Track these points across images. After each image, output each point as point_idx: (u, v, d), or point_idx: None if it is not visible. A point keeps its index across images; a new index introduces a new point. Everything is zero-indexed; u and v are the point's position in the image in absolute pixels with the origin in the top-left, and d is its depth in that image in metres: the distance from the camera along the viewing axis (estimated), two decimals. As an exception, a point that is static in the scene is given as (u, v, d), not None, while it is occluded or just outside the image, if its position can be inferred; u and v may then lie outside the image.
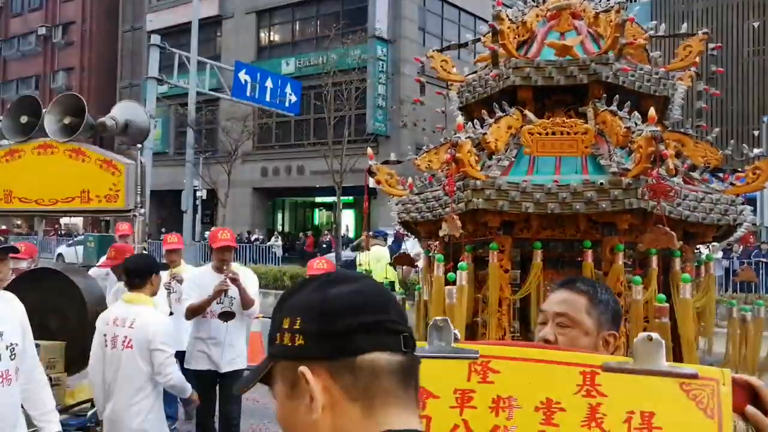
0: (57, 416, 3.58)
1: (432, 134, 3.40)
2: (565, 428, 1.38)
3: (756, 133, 17.69)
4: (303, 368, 0.99)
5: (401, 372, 1.04)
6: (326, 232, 27.09)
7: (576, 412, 1.38)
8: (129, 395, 3.96)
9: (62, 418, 4.29)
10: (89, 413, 4.26)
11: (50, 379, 4.39)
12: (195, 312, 5.48)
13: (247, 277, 5.55)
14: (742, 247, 3.35)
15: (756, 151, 2.89)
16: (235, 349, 5.53)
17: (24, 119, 4.90)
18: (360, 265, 3.26)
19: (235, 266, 5.73)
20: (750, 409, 1.39)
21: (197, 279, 5.69)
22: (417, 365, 1.10)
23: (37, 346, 4.42)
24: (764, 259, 14.74)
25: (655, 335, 1.35)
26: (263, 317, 11.23)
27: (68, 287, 4.85)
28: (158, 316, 4.18)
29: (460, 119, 2.66)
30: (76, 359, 4.82)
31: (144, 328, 3.98)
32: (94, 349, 4.07)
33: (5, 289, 3.78)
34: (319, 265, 4.67)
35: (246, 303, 5.37)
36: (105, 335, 4.05)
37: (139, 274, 4.18)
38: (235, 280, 5.38)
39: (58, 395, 4.41)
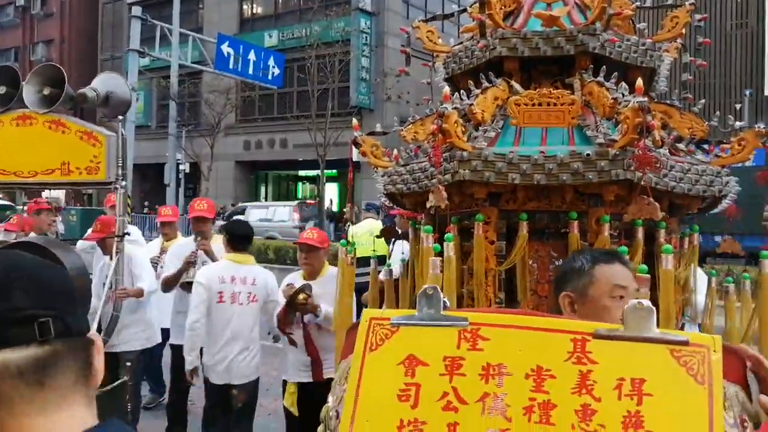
0: None
1: (417, 106, 3.37)
2: (555, 395, 1.38)
3: (738, 106, 17.79)
4: None
5: (33, 368, 0.88)
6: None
7: (566, 379, 1.39)
8: (243, 344, 4.74)
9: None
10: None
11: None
12: (168, 283, 5.47)
13: (220, 250, 5.54)
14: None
15: (738, 124, 2.90)
16: None
17: (2, 90, 4.82)
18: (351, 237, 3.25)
19: (217, 238, 5.70)
20: (763, 398, 1.41)
21: (177, 250, 5.68)
22: (69, 352, 0.92)
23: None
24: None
25: (646, 302, 1.36)
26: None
27: (51, 261, 4.79)
28: (268, 272, 5.02)
29: (447, 90, 2.63)
30: (59, 332, 4.78)
31: (265, 284, 4.85)
32: (199, 306, 4.69)
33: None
34: (309, 234, 4.65)
35: None
36: (221, 292, 4.70)
37: (245, 237, 4.98)
38: (207, 252, 5.36)
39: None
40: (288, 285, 4.60)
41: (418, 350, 1.49)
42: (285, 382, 4.70)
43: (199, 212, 5.67)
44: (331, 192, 29.55)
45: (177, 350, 5.55)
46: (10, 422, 0.85)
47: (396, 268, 3.48)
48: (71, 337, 0.92)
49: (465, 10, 3.41)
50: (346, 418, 1.47)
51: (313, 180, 31.52)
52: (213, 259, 5.39)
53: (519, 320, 1.49)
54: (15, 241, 5.53)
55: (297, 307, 4.36)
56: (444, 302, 1.49)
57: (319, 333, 4.45)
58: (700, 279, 3.19)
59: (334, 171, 27.61)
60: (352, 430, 1.45)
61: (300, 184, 34.74)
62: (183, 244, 5.88)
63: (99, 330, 4.80)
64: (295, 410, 4.54)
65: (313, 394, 4.25)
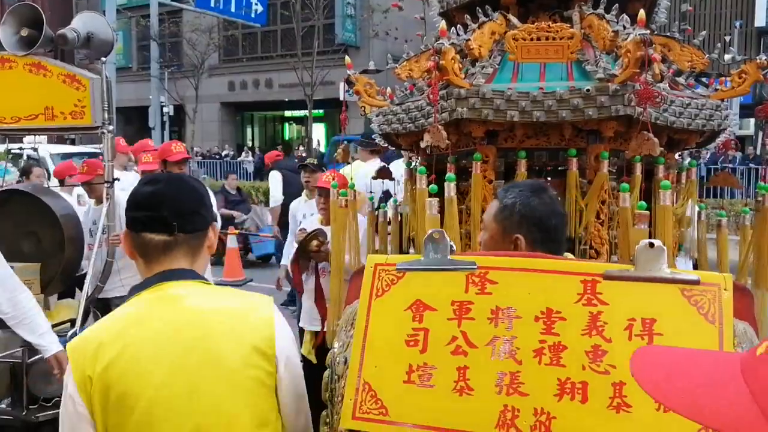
0: (54, 336, 3.58)
1: (406, 43, 3.28)
2: (565, 337, 1.37)
3: (728, 38, 17.60)
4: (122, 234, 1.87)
5: (163, 245, 1.74)
6: (298, 146, 26.83)
7: (576, 320, 1.37)
8: None
9: (42, 339, 4.27)
10: (69, 333, 4.24)
11: (26, 300, 4.35)
12: None
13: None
14: (708, 153, 3.38)
15: (727, 57, 2.85)
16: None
17: (-23, 33, 4.66)
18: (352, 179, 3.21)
19: None
20: None
21: None
22: (183, 241, 1.76)
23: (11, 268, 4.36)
24: (730, 165, 14.99)
25: (657, 242, 1.33)
26: (239, 232, 11.23)
27: (40, 208, 4.74)
28: None
29: (443, 25, 2.55)
30: (53, 280, 4.75)
31: None
32: None
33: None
34: (327, 177, 4.56)
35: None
36: None
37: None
38: None
39: (35, 316, 4.38)
40: (300, 230, 4.54)
41: (426, 295, 1.47)
42: (302, 331, 4.70)
43: (180, 154, 5.60)
44: (319, 132, 29.30)
45: None
46: (156, 267, 1.76)
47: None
48: (187, 232, 1.75)
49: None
50: (355, 364, 1.45)
51: (300, 120, 31.20)
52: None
53: (528, 263, 1.46)
54: (6, 188, 5.43)
55: (310, 254, 4.29)
56: (451, 246, 1.46)
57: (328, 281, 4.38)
58: (694, 214, 3.18)
59: (321, 111, 27.31)
60: (361, 375, 1.44)
61: (287, 125, 34.40)
62: None
63: (80, 280, 4.75)
64: (313, 358, 4.54)
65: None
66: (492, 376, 1.38)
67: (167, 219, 1.71)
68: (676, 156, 3.08)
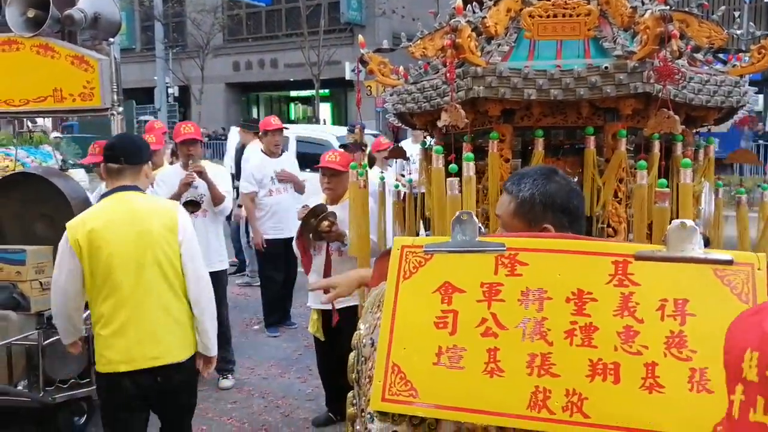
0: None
1: (414, 21, 3.24)
2: (597, 318, 1.36)
3: (737, 14, 17.42)
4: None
5: (116, 170, 3.39)
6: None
7: (608, 301, 1.36)
8: None
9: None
10: (84, 314, 4.24)
11: (40, 283, 4.38)
12: None
13: (217, 174, 5.48)
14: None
15: (739, 32, 2.81)
16: (211, 247, 5.47)
17: (-18, 13, 4.64)
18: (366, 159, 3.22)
19: (205, 163, 5.61)
20: None
21: (165, 177, 5.59)
22: (128, 169, 3.38)
23: (23, 251, 4.38)
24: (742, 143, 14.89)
25: (689, 222, 1.31)
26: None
27: (50, 191, 4.74)
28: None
29: (459, 2, 2.51)
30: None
31: None
32: None
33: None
34: (331, 157, 4.53)
35: (216, 198, 5.33)
36: None
37: None
38: (201, 173, 5.27)
39: (49, 300, 4.40)
40: (303, 206, 4.51)
41: (454, 277, 1.46)
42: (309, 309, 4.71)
43: (188, 135, 5.57)
44: (325, 112, 29.22)
45: None
46: (115, 183, 3.38)
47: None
48: (129, 164, 3.35)
49: None
50: (383, 346, 1.45)
51: (306, 100, 31.12)
52: (207, 180, 5.32)
53: (558, 244, 1.45)
54: (16, 171, 5.45)
55: (321, 234, 4.25)
56: (480, 228, 1.44)
57: (341, 259, 4.35)
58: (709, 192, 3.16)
59: (327, 90, 27.22)
60: (390, 358, 1.43)
61: (293, 105, 34.30)
62: (170, 172, 5.77)
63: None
64: (321, 335, 4.54)
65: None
66: (523, 358, 1.37)
67: (118, 156, 3.39)
68: (694, 133, 3.05)
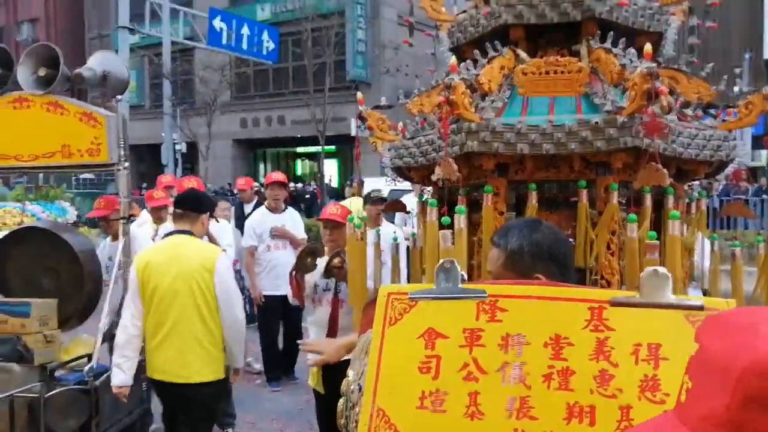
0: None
1: (416, 79, 3.34)
2: (573, 362, 1.40)
3: (738, 70, 17.66)
4: None
5: (179, 215, 4.31)
6: (310, 182, 26.95)
7: (584, 346, 1.40)
8: None
9: (59, 374, 4.31)
10: (86, 368, 4.26)
11: (44, 336, 4.40)
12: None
13: (219, 228, 5.87)
14: (722, 185, 3.38)
15: (746, 87, 2.88)
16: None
17: (-5, 72, 4.78)
18: (359, 213, 3.26)
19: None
20: None
21: (167, 231, 5.73)
22: (186, 216, 4.27)
23: (28, 304, 4.42)
24: (743, 197, 14.95)
25: (661, 269, 1.36)
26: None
27: (57, 244, 4.80)
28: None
29: (453, 60, 2.60)
30: (70, 316, 4.80)
31: None
32: None
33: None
34: (333, 210, 4.58)
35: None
36: None
37: None
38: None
39: (52, 352, 4.42)
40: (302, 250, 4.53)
41: (437, 323, 1.50)
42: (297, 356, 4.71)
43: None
44: (331, 168, 29.49)
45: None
46: (177, 226, 4.32)
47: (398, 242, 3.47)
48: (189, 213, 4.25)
49: (468, -23, 3.37)
50: (369, 391, 1.48)
51: (312, 156, 31.43)
52: (211, 238, 5.38)
53: (537, 291, 1.49)
54: (24, 225, 5.53)
55: (332, 272, 4.24)
56: (462, 275, 1.49)
57: (345, 313, 4.32)
58: (703, 244, 3.19)
59: (333, 147, 27.52)
60: (375, 402, 1.46)
61: (299, 161, 34.65)
62: (171, 227, 5.85)
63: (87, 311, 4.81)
64: (321, 389, 4.53)
65: (335, 372, 4.18)
66: (502, 401, 1.40)
67: (182, 205, 4.25)
68: (686, 187, 3.10)
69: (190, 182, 5.84)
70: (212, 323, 4.04)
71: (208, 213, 4.43)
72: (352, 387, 1.71)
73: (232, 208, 8.39)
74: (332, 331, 4.34)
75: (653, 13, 2.96)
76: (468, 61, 2.96)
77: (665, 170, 2.43)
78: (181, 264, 4.04)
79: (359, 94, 3.14)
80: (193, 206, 4.27)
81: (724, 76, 2.99)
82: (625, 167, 2.68)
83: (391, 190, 10.94)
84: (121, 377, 4.07)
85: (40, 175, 12.14)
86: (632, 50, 2.75)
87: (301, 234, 7.15)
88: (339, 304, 4.36)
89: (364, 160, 3.77)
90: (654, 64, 2.42)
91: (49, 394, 4.11)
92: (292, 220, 7.20)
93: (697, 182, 3.32)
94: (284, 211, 7.14)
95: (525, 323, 1.45)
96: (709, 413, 0.79)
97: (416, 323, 1.51)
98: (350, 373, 1.75)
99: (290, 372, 7.20)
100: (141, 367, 4.79)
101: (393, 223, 7.97)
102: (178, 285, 4.00)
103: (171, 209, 6.80)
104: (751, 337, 0.79)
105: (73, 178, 23.47)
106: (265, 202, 7.24)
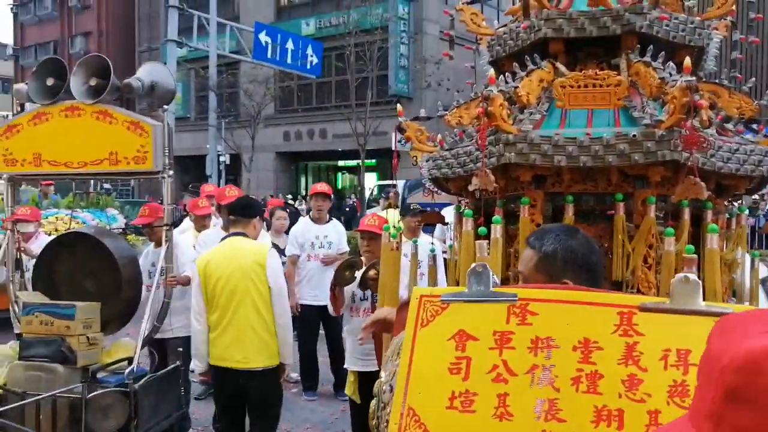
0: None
1: (456, 93, 3.37)
2: (602, 366, 1.41)
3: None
4: None
5: (233, 220, 4.93)
6: (350, 195, 27.09)
7: (613, 350, 1.42)
8: None
9: (101, 376, 4.42)
10: (126, 371, 4.36)
11: (87, 338, 4.52)
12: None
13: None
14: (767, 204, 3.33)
15: None
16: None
17: (50, 81, 4.94)
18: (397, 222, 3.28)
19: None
20: None
21: (206, 238, 5.98)
22: (240, 221, 4.89)
23: (73, 306, 4.54)
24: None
25: (692, 275, 1.36)
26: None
27: (99, 250, 4.93)
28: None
29: (492, 73, 2.63)
30: (112, 319, 4.91)
31: None
32: None
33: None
34: (370, 221, 4.65)
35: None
36: None
37: None
38: None
39: (95, 354, 4.53)
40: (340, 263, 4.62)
41: (468, 325, 1.52)
42: (346, 370, 4.75)
43: (232, 198, 5.78)
44: (371, 181, 29.61)
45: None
46: (232, 229, 4.92)
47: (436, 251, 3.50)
48: (241, 217, 4.87)
49: (508, -8, 3.41)
50: (400, 391, 1.51)
51: (353, 170, 31.59)
52: None
53: (567, 295, 1.51)
54: (67, 231, 5.68)
55: (367, 283, 4.31)
56: (494, 279, 1.51)
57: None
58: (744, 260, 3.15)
59: (374, 160, 27.64)
60: (406, 402, 1.49)
61: (340, 174, 34.87)
62: (211, 233, 5.97)
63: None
64: (357, 398, 4.57)
65: (371, 382, 4.22)
66: (531, 403, 1.42)
67: (235, 211, 4.84)
68: (726, 202, 3.07)
69: (231, 191, 5.94)
70: (266, 313, 4.58)
71: (258, 217, 5.08)
72: (384, 388, 1.74)
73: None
74: (376, 342, 4.38)
75: (694, 28, 2.95)
76: (507, 73, 2.98)
77: (703, 184, 2.42)
78: (237, 261, 4.61)
79: (399, 106, 3.18)
80: (246, 212, 4.89)
81: (766, 91, 2.97)
82: (663, 181, 2.67)
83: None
84: (198, 367, 4.79)
85: (91, 183, 12.47)
86: (672, 64, 2.74)
87: (343, 244, 7.20)
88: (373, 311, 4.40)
89: (405, 173, 3.81)
90: (693, 78, 2.42)
91: (90, 395, 4.21)
92: (336, 231, 7.23)
93: (739, 199, 3.28)
94: (328, 222, 7.19)
95: (555, 327, 1.47)
96: (701, 406, 0.84)
97: (448, 325, 1.54)
98: (382, 374, 1.78)
99: (339, 391, 7.00)
100: (180, 373, 4.89)
101: (432, 235, 7.98)
102: (235, 279, 4.56)
103: (213, 218, 6.97)
104: (740, 335, 0.84)
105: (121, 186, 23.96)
106: (310, 213, 7.31)
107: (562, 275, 1.87)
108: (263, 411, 4.75)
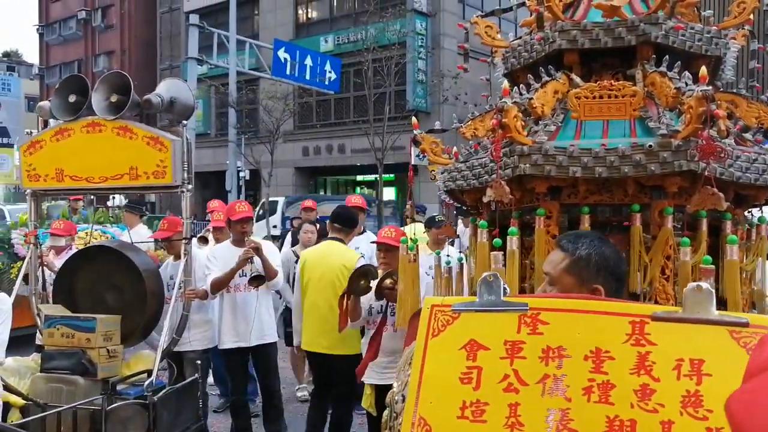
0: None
1: (474, 107, 3.38)
2: (614, 376, 1.40)
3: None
4: None
5: (331, 228, 5.83)
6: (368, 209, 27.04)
7: (625, 360, 1.40)
8: None
9: (120, 388, 4.45)
10: (146, 383, 4.39)
11: (107, 351, 4.56)
12: (219, 285, 5.53)
13: (270, 250, 5.67)
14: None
15: None
16: (263, 320, 5.64)
17: (72, 98, 5.02)
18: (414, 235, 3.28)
19: (256, 239, 5.83)
20: None
21: (217, 253, 5.77)
22: (339, 229, 5.71)
23: (94, 319, 4.59)
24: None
25: (705, 285, 1.35)
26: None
27: (123, 263, 4.97)
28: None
29: (506, 84, 2.63)
30: (132, 332, 4.95)
31: None
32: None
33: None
34: (387, 233, 4.66)
35: (269, 273, 5.48)
36: None
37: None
38: (257, 250, 5.45)
39: (115, 366, 4.57)
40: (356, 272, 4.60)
41: (479, 335, 1.52)
42: (362, 383, 4.74)
43: (242, 213, 5.79)
44: (389, 196, 29.62)
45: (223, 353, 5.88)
46: (334, 235, 5.85)
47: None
48: (340, 226, 5.74)
49: (524, 3, 3.41)
50: (411, 400, 1.50)
51: (371, 184, 31.64)
52: (261, 256, 5.46)
53: (578, 304, 1.50)
54: (93, 245, 5.74)
55: (383, 292, 4.30)
56: (504, 289, 1.51)
57: (393, 335, 4.37)
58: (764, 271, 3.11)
59: (392, 175, 27.67)
60: (417, 411, 1.49)
61: (358, 189, 34.94)
62: (221, 248, 5.97)
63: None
64: (373, 410, 4.55)
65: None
66: (542, 413, 1.41)
67: (335, 220, 5.70)
68: (746, 213, 3.04)
69: (242, 206, 5.96)
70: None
71: (354, 227, 5.94)
72: (396, 398, 1.74)
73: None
74: (371, 349, 4.39)
75: (711, 37, 2.93)
76: (521, 85, 2.98)
77: (721, 194, 2.40)
78: (328, 262, 5.46)
79: (414, 119, 3.19)
80: (348, 224, 5.74)
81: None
82: (681, 191, 2.65)
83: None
84: (296, 340, 5.97)
85: (116, 198, 12.61)
86: (688, 74, 2.73)
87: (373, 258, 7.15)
88: (386, 323, 4.41)
89: (425, 189, 3.82)
90: (709, 87, 2.40)
91: (110, 407, 4.24)
92: (367, 244, 7.06)
93: (759, 209, 3.24)
94: (362, 234, 7.18)
95: (566, 336, 1.46)
96: None
97: (459, 335, 1.54)
98: (395, 384, 1.78)
99: (356, 404, 6.95)
100: (199, 385, 4.90)
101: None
102: (324, 277, 5.42)
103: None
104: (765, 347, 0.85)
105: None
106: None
107: (593, 280, 1.87)
108: (344, 389, 5.49)
